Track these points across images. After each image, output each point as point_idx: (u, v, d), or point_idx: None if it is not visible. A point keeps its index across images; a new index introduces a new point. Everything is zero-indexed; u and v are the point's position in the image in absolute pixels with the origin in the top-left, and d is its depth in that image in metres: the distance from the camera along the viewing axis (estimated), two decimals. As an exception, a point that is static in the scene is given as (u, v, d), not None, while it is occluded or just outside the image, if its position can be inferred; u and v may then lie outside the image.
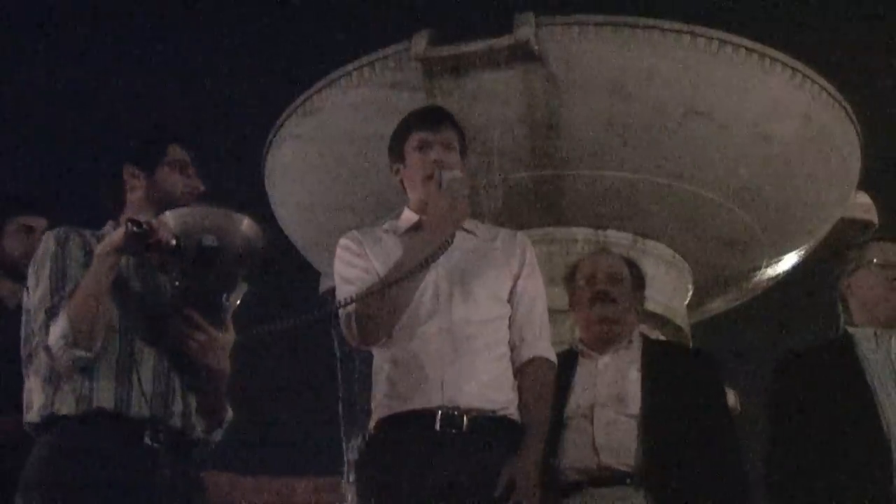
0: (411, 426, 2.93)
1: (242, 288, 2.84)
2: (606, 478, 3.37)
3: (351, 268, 3.10)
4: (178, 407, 2.79)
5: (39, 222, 3.88)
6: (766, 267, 7.28)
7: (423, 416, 2.92)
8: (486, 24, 6.15)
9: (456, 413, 2.92)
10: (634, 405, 3.43)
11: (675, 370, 3.54)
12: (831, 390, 3.48)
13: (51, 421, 2.72)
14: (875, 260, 3.66)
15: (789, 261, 7.34)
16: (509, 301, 3.12)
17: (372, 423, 3.07)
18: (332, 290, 3.19)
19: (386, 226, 3.23)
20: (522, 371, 3.07)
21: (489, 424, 2.94)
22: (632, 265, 3.80)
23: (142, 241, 2.66)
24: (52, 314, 2.70)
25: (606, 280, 3.65)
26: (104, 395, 2.70)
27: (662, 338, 6.22)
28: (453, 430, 2.91)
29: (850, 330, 3.62)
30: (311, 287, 7.31)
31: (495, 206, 5.77)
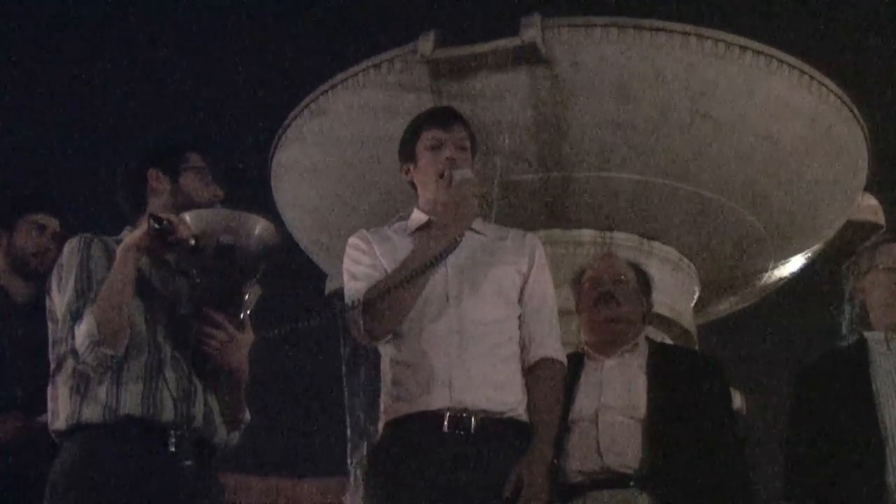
0: (419, 428, 2.93)
1: (257, 291, 2.87)
2: (610, 480, 3.37)
3: (359, 265, 3.11)
4: (199, 409, 2.81)
5: (51, 221, 3.91)
6: (773, 269, 7.27)
7: (431, 418, 2.92)
8: (492, 25, 6.16)
9: (464, 415, 2.91)
10: (640, 408, 3.43)
11: (680, 374, 3.54)
12: (838, 395, 3.53)
13: (77, 429, 2.74)
14: (883, 263, 3.68)
15: (796, 263, 7.33)
16: (519, 301, 3.12)
17: (380, 425, 3.07)
18: (339, 292, 3.20)
19: (395, 226, 3.23)
20: (532, 371, 3.07)
21: (497, 426, 2.94)
22: (639, 270, 3.80)
23: (163, 238, 2.70)
24: (76, 317, 2.72)
25: (611, 282, 3.66)
26: (131, 402, 2.72)
27: (668, 340, 6.23)
28: (461, 432, 2.90)
29: (866, 334, 3.65)
30: (317, 288, 7.32)
31: (492, 209, 5.76)
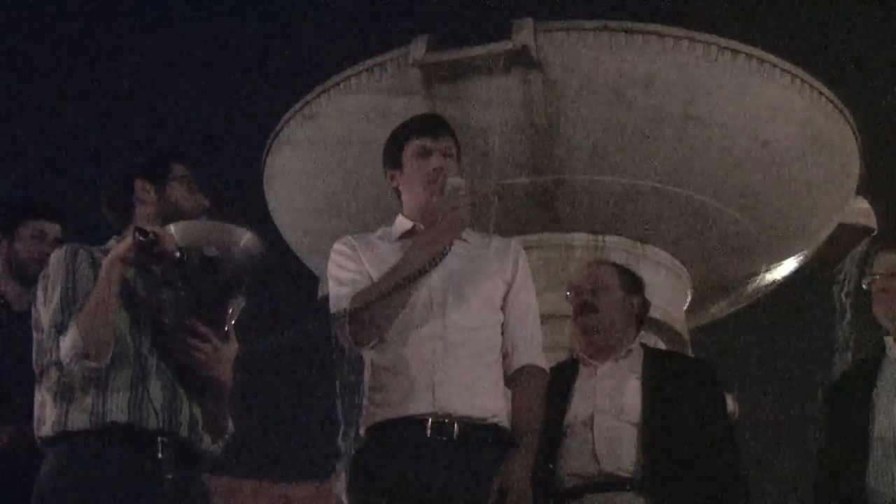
0: (401, 433, 2.93)
1: (241, 302, 2.87)
2: (606, 484, 3.38)
3: (345, 271, 3.11)
4: (184, 418, 2.82)
5: (52, 228, 3.91)
6: (765, 272, 7.28)
7: (414, 424, 2.92)
8: (484, 29, 6.16)
9: (447, 421, 2.91)
10: (634, 413, 3.44)
11: (675, 379, 3.55)
12: (848, 403, 3.69)
13: (63, 436, 2.75)
14: (878, 272, 3.76)
15: (788, 266, 7.34)
16: (502, 308, 3.12)
17: (363, 430, 3.07)
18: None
19: (380, 232, 3.23)
20: (514, 379, 3.07)
21: (479, 433, 2.94)
22: (624, 272, 3.78)
23: (148, 251, 2.70)
24: (61, 329, 2.73)
25: (589, 291, 3.64)
26: (117, 409, 2.73)
27: (661, 343, 6.23)
28: (443, 438, 2.90)
29: (886, 339, 3.77)
30: (309, 292, 7.31)
31: (489, 217, 5.75)
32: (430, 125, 3.22)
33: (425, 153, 3.13)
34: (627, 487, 3.37)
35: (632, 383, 3.52)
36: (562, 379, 3.40)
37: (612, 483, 3.38)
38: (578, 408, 3.50)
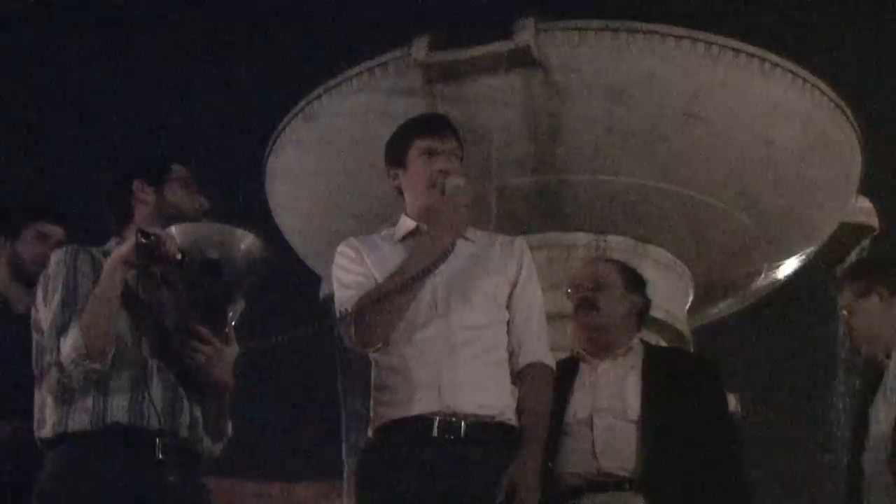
0: (409, 433, 2.94)
1: (241, 304, 2.87)
2: (606, 483, 3.38)
3: (349, 273, 3.11)
4: (185, 419, 2.84)
5: (55, 230, 3.92)
6: (767, 271, 7.28)
7: (421, 423, 2.93)
8: (486, 29, 6.16)
9: (454, 419, 2.92)
10: (634, 411, 3.43)
11: (675, 376, 3.54)
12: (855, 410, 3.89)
13: (64, 438, 2.76)
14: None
15: (790, 265, 7.34)
16: (507, 307, 3.13)
17: (371, 430, 3.08)
18: (333, 296, 3.20)
19: (383, 233, 3.24)
20: (521, 376, 3.08)
21: (487, 431, 2.95)
22: (625, 270, 3.78)
23: (150, 253, 2.71)
24: (62, 330, 2.73)
25: (590, 287, 3.64)
26: (118, 410, 2.75)
27: (663, 343, 6.23)
28: (451, 437, 2.91)
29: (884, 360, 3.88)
30: (311, 292, 7.31)
31: (489, 217, 5.75)
32: (436, 125, 3.22)
33: (432, 154, 3.13)
34: (627, 486, 3.36)
35: (632, 381, 3.51)
36: (562, 376, 3.40)
37: (612, 482, 3.37)
38: (578, 406, 3.50)
